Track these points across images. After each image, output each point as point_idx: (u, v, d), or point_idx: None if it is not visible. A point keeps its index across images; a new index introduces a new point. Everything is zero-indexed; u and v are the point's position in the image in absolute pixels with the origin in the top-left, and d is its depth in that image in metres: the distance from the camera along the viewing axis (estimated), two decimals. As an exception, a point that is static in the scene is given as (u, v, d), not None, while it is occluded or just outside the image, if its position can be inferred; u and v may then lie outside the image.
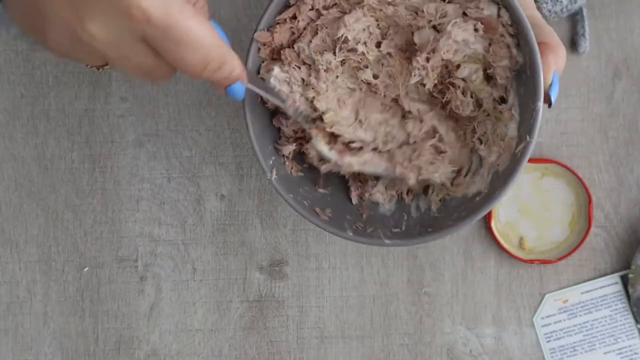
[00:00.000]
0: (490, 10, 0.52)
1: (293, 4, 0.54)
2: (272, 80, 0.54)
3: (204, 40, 0.40)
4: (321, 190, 0.58)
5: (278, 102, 0.53)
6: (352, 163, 0.55)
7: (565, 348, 0.63)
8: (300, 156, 0.58)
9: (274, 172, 0.54)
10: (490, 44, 0.53)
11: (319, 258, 0.64)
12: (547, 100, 0.50)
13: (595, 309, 0.63)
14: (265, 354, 0.64)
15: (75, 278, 0.64)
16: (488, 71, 0.54)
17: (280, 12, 0.54)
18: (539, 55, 0.49)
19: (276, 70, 0.54)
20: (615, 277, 0.63)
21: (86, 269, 0.65)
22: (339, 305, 0.64)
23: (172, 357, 0.64)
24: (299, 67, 0.55)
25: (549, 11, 0.58)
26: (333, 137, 0.56)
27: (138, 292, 0.64)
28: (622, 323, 0.63)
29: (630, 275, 0.62)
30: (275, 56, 0.55)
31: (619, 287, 0.63)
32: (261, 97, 0.55)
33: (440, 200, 0.56)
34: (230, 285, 0.64)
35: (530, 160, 0.56)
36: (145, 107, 0.64)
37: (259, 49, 0.54)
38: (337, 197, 0.58)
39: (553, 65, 0.50)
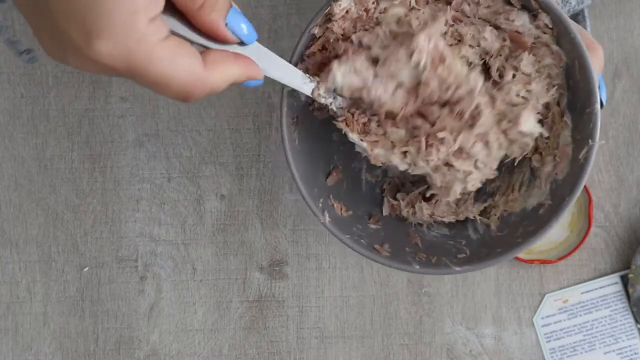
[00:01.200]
0: (521, 20, 0.50)
1: (320, 37, 0.51)
2: (337, 79, 0.48)
3: (177, 80, 0.37)
4: (373, 226, 0.56)
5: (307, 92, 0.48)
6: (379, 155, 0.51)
7: (565, 348, 0.63)
8: (347, 191, 0.56)
9: (327, 215, 0.52)
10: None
11: (319, 258, 0.64)
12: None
13: (595, 309, 0.63)
14: (265, 354, 0.64)
15: (75, 278, 0.64)
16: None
17: (309, 46, 0.51)
18: (588, 56, 0.48)
19: (335, 65, 0.48)
20: (615, 277, 0.63)
21: (86, 269, 0.64)
22: (339, 305, 0.64)
23: (172, 357, 0.64)
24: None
25: None
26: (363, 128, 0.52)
27: (138, 292, 0.64)
28: (622, 323, 0.63)
29: (630, 275, 0.62)
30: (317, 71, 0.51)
31: (619, 287, 0.63)
32: (298, 140, 0.52)
33: (498, 219, 0.55)
34: (230, 285, 0.64)
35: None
36: (145, 107, 0.64)
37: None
38: (390, 229, 0.56)
39: (596, 66, 0.49)
